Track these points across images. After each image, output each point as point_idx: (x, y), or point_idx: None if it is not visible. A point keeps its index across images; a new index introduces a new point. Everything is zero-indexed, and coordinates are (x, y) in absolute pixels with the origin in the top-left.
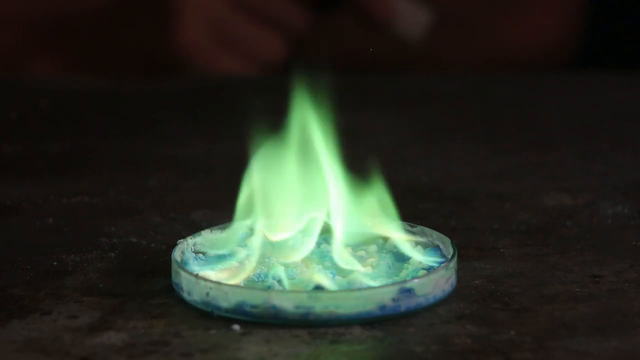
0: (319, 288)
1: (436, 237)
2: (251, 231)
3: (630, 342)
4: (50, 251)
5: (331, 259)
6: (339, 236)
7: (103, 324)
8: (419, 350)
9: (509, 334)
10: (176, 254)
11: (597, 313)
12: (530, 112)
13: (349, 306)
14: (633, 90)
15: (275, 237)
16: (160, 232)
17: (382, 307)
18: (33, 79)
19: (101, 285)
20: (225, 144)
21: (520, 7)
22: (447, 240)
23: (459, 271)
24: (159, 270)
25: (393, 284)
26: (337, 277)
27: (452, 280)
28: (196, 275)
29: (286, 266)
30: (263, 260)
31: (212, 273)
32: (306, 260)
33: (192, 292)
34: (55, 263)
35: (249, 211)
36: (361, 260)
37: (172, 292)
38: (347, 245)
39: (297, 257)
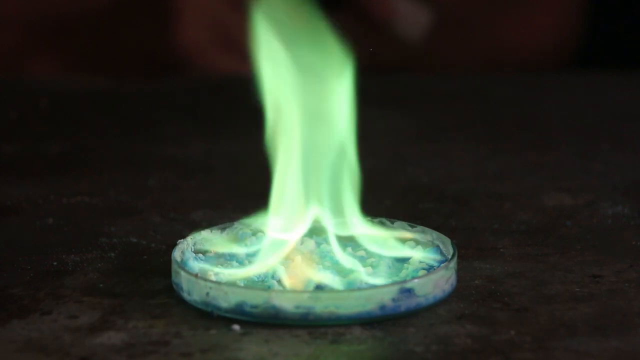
0: (319, 288)
1: (436, 237)
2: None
3: (630, 342)
4: (50, 251)
5: (331, 259)
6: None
7: (103, 324)
8: (419, 350)
9: (509, 334)
10: (176, 254)
11: (597, 313)
12: (530, 112)
13: (349, 306)
14: (633, 90)
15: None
16: (160, 232)
17: (382, 307)
18: (33, 79)
19: (101, 285)
20: (225, 144)
21: (520, 7)
22: (447, 240)
23: (459, 271)
24: (159, 270)
25: (393, 284)
26: (337, 277)
27: (452, 280)
28: (196, 275)
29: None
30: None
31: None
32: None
33: (192, 292)
34: (55, 263)
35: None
36: (361, 260)
37: (172, 292)
38: (347, 246)
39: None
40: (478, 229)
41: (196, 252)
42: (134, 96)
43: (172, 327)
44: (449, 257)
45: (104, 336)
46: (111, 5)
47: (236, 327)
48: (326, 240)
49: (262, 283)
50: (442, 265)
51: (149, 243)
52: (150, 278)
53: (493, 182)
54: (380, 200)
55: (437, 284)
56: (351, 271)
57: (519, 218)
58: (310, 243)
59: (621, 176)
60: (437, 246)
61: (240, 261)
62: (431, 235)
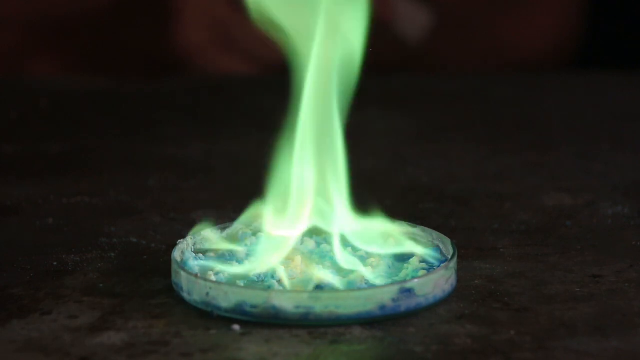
0: (320, 288)
1: (436, 237)
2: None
3: (630, 342)
4: (50, 251)
5: (331, 259)
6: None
7: (103, 324)
8: (419, 350)
9: (509, 334)
10: (176, 254)
11: (597, 313)
12: (530, 112)
13: (349, 306)
14: (633, 90)
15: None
16: (160, 232)
17: (382, 307)
18: (33, 79)
19: (101, 285)
20: (225, 144)
21: (520, 7)
22: (447, 240)
23: (459, 271)
24: (159, 270)
25: (393, 284)
26: (337, 277)
27: (452, 280)
28: (196, 275)
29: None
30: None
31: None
32: (306, 260)
33: (192, 292)
34: (55, 263)
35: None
36: (361, 260)
37: (172, 292)
38: (347, 246)
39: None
40: (478, 229)
41: (196, 252)
42: (134, 96)
43: (172, 327)
44: (449, 257)
45: (104, 336)
46: (111, 5)
47: (236, 327)
48: (326, 240)
49: (262, 283)
50: (442, 265)
51: (149, 243)
52: (150, 278)
53: (493, 182)
54: (381, 200)
55: (437, 284)
56: (351, 271)
57: (519, 218)
58: (310, 243)
59: (621, 176)
60: (437, 246)
61: (240, 261)
62: (431, 235)
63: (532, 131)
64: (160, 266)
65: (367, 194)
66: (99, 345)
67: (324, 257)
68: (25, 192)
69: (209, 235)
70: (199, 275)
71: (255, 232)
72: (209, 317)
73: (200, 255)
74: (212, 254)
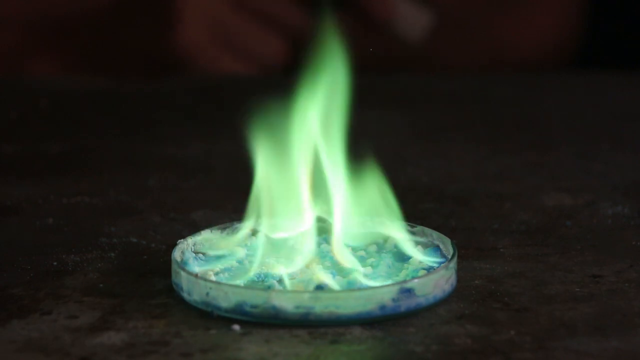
0: (320, 288)
1: (436, 237)
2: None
3: (630, 342)
4: (50, 251)
5: (331, 259)
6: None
7: (103, 324)
8: (419, 350)
9: (509, 334)
10: (176, 254)
11: (597, 313)
12: (530, 112)
13: (349, 306)
14: (633, 90)
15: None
16: (160, 232)
17: (382, 307)
18: (33, 79)
19: (101, 285)
20: (225, 144)
21: (519, 7)
22: (447, 240)
23: (459, 271)
24: (159, 270)
25: (393, 284)
26: (337, 277)
27: (452, 280)
28: (196, 275)
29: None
30: (264, 261)
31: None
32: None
33: (192, 292)
34: (55, 263)
35: (257, 209)
36: (361, 260)
37: (172, 292)
38: (347, 246)
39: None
40: (478, 229)
41: (196, 252)
42: (134, 96)
43: (172, 327)
44: (449, 257)
45: (104, 336)
46: (111, 6)
47: (236, 327)
48: (326, 240)
49: (262, 283)
50: (442, 265)
51: (149, 243)
52: (150, 278)
53: (493, 182)
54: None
55: (437, 284)
56: (351, 271)
57: (519, 218)
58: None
59: (621, 176)
60: (437, 246)
61: (240, 261)
62: (431, 235)
63: (532, 131)
64: (160, 266)
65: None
66: (99, 345)
67: (324, 257)
68: (25, 192)
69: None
70: (199, 275)
71: (255, 233)
72: (209, 317)
73: (200, 255)
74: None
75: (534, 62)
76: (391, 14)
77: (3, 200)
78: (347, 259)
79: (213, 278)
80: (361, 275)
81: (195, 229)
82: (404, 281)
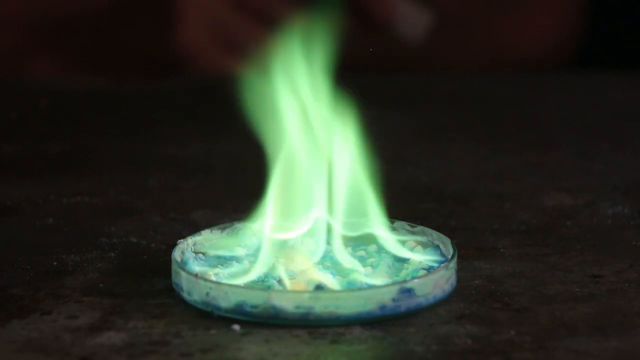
0: (319, 288)
1: (436, 237)
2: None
3: (630, 342)
4: (50, 251)
5: (331, 259)
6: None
7: (103, 324)
8: (419, 350)
9: (509, 334)
10: (176, 254)
11: (597, 313)
12: (530, 112)
13: (349, 306)
14: (633, 90)
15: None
16: (160, 232)
17: (382, 307)
18: (33, 79)
19: (101, 285)
20: (225, 144)
21: (519, 7)
22: (447, 240)
23: (459, 271)
24: (159, 270)
25: (393, 284)
26: (337, 277)
27: (452, 280)
28: (196, 275)
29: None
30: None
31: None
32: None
33: (192, 292)
34: (55, 263)
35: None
36: (361, 260)
37: (172, 292)
38: (347, 246)
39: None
40: (478, 229)
41: (196, 252)
42: (134, 96)
43: (172, 327)
44: (449, 257)
45: (104, 336)
46: (111, 6)
47: (236, 327)
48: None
49: (262, 283)
50: (442, 265)
51: (149, 243)
52: (150, 278)
53: (493, 182)
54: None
55: (437, 284)
56: (351, 271)
57: (519, 218)
58: (311, 243)
59: (621, 176)
60: (437, 246)
61: (240, 261)
62: (431, 235)
63: (532, 131)
64: (160, 266)
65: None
66: (99, 345)
67: (324, 257)
68: (25, 192)
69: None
70: (199, 275)
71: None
72: (209, 317)
73: (200, 255)
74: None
75: (534, 62)
76: (391, 14)
77: (3, 200)
78: (347, 259)
79: (213, 278)
80: (362, 275)
81: (195, 229)
82: (404, 281)
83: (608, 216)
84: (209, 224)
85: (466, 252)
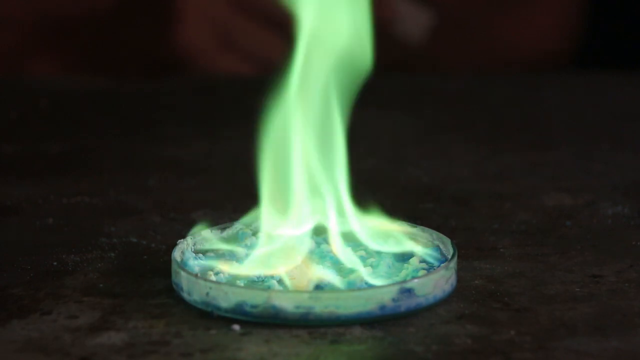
0: (320, 288)
1: (436, 237)
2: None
3: (630, 342)
4: (50, 251)
5: (331, 259)
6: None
7: (103, 324)
8: (419, 350)
9: (509, 334)
10: (176, 254)
11: (597, 313)
12: (530, 112)
13: (349, 306)
14: (633, 90)
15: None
16: (160, 232)
17: (382, 307)
18: (33, 79)
19: (101, 285)
20: (225, 144)
21: (519, 7)
22: (447, 240)
23: (459, 271)
24: (159, 270)
25: (393, 284)
26: (337, 277)
27: (452, 280)
28: (196, 275)
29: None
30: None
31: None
32: (306, 260)
33: (192, 292)
34: (55, 263)
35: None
36: (361, 260)
37: (172, 292)
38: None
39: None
40: (478, 229)
41: (196, 252)
42: (134, 96)
43: (172, 327)
44: (449, 257)
45: (104, 336)
46: (111, 6)
47: (236, 327)
48: (326, 240)
49: (262, 283)
50: (442, 265)
51: (149, 243)
52: (150, 278)
53: (493, 182)
54: (381, 200)
55: (437, 284)
56: (351, 271)
57: (519, 218)
58: (310, 243)
59: (621, 176)
60: (437, 246)
61: (241, 261)
62: (431, 235)
63: (532, 131)
64: (160, 266)
65: (366, 192)
66: (99, 345)
67: (324, 257)
68: (25, 192)
69: (208, 235)
70: (199, 275)
71: (255, 232)
72: (209, 317)
73: (200, 255)
74: (211, 254)
75: (534, 62)
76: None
77: (3, 200)
78: (348, 259)
79: (213, 278)
80: (364, 274)
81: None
82: (404, 281)
83: (608, 216)
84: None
85: (466, 252)
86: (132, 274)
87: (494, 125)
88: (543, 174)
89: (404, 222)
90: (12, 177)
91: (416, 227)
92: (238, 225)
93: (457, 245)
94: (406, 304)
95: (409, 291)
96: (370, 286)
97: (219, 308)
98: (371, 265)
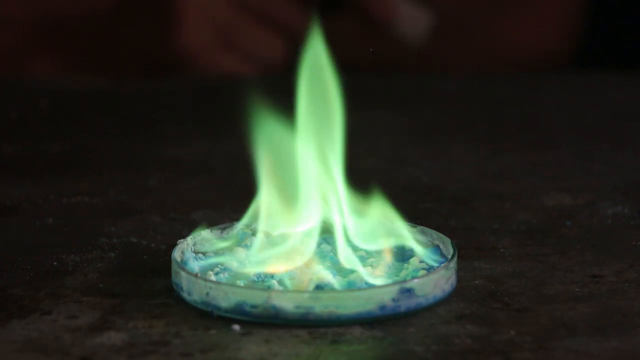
0: (319, 288)
1: (436, 237)
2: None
3: (630, 342)
4: (50, 251)
5: (331, 259)
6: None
7: (103, 324)
8: (419, 350)
9: (509, 334)
10: (176, 254)
11: (597, 313)
12: (530, 112)
13: (349, 306)
14: (633, 90)
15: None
16: (160, 232)
17: (382, 307)
18: (33, 79)
19: (101, 285)
20: (225, 144)
21: (519, 7)
22: (447, 240)
23: (459, 271)
24: (159, 270)
25: (393, 284)
26: (337, 277)
27: (452, 280)
28: (196, 275)
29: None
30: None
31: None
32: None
33: (192, 292)
34: (55, 263)
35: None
36: (361, 260)
37: (172, 292)
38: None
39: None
40: (478, 229)
41: (196, 252)
42: (134, 96)
43: (172, 327)
44: (449, 257)
45: (104, 336)
46: (111, 6)
47: (236, 327)
48: (326, 240)
49: (262, 283)
50: (442, 265)
51: (149, 243)
52: (150, 278)
53: (493, 182)
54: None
55: (437, 284)
56: (351, 271)
57: (519, 218)
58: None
59: (621, 176)
60: (437, 246)
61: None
62: (431, 235)
63: (532, 131)
64: (160, 266)
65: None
66: (99, 345)
67: (324, 257)
68: (25, 192)
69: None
70: (199, 275)
71: (255, 232)
72: (209, 317)
73: (200, 255)
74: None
75: (534, 62)
76: (391, 14)
77: (3, 200)
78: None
79: (213, 278)
80: (365, 274)
81: (195, 229)
82: (404, 281)
83: (608, 216)
84: (209, 224)
85: (466, 252)
86: (132, 274)
87: (494, 125)
88: (543, 174)
89: (403, 223)
90: (12, 177)
91: (416, 227)
92: (238, 225)
93: (457, 245)
94: (406, 304)
95: (409, 291)
96: (370, 286)
97: (219, 308)
98: (371, 265)
